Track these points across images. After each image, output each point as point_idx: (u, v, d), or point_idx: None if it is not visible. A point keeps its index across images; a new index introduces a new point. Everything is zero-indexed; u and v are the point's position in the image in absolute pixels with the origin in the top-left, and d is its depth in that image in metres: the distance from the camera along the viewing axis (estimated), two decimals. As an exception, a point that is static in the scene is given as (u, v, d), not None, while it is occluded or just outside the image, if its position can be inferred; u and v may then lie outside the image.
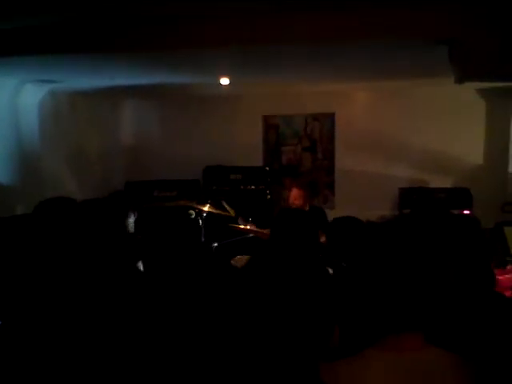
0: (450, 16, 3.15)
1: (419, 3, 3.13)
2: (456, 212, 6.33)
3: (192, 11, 3.30)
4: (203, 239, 5.31)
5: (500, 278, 3.05)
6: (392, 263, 1.54)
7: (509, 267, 3.37)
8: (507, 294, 2.81)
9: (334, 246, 3.11)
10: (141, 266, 2.65)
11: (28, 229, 2.44)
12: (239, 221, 5.30)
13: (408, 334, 1.52)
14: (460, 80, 3.87)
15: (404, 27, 3.23)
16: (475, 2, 3.07)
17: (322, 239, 3.41)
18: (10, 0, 2.98)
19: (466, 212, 6.39)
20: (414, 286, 1.51)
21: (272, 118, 7.64)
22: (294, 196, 5.16)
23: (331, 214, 5.41)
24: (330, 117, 7.42)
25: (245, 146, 7.38)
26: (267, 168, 7.32)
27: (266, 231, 5.12)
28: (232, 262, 5.03)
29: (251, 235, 5.19)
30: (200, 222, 5.31)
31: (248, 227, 5.16)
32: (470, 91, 6.53)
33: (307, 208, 5.21)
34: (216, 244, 5.19)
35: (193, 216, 5.45)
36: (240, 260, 5.04)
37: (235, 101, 7.33)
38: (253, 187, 7.11)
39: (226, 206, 5.36)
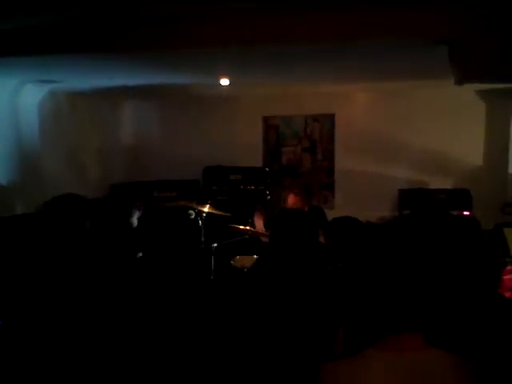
0: (449, 16, 3.15)
1: (419, 3, 3.13)
2: (456, 213, 6.33)
3: (192, 11, 3.30)
4: (203, 239, 5.31)
5: (500, 278, 3.04)
6: (391, 264, 1.55)
7: (508, 268, 3.36)
8: (507, 294, 2.80)
9: (333, 245, 3.11)
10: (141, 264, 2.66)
11: (36, 226, 2.44)
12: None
13: (408, 334, 1.52)
14: (460, 81, 3.87)
15: (404, 27, 3.23)
16: (475, 2, 3.07)
17: (321, 238, 3.41)
18: (10, 0, 2.98)
19: (465, 213, 6.39)
20: (414, 287, 1.51)
21: (272, 119, 7.64)
22: (291, 203, 5.16)
23: (331, 215, 5.40)
24: (330, 118, 7.42)
25: (245, 146, 7.39)
26: (267, 168, 7.32)
27: (265, 232, 5.13)
28: (232, 262, 5.04)
29: (249, 236, 5.19)
30: (200, 222, 5.31)
31: (248, 228, 5.16)
32: (469, 92, 6.54)
33: (306, 209, 5.21)
34: (216, 244, 5.19)
35: (192, 216, 5.45)
36: (240, 260, 5.04)
37: (235, 101, 7.33)
38: (252, 188, 7.11)
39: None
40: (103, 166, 7.08)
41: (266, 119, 7.64)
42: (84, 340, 1.96)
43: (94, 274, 2.56)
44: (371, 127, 7.03)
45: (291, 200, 5.16)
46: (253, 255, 5.05)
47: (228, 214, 5.33)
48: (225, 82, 5.73)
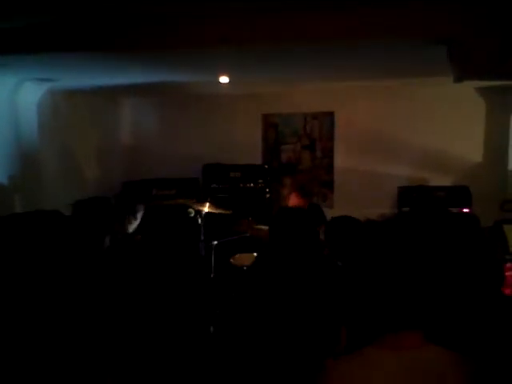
0: (449, 16, 3.15)
1: (419, 3, 3.13)
2: (455, 210, 6.34)
3: (192, 10, 3.30)
4: (202, 238, 5.31)
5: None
6: (391, 261, 1.55)
7: (508, 265, 3.37)
8: (507, 291, 2.81)
9: (332, 245, 3.11)
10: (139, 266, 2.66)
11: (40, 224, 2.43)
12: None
13: (407, 332, 1.52)
14: (459, 79, 3.87)
15: (404, 27, 3.23)
16: (475, 2, 3.07)
17: (321, 236, 3.42)
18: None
19: (465, 210, 6.39)
20: (413, 285, 1.51)
21: (271, 117, 7.64)
22: (293, 203, 5.16)
23: (330, 213, 5.42)
24: (330, 115, 7.42)
25: (244, 144, 7.39)
26: (266, 166, 7.32)
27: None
28: (231, 260, 5.04)
29: (249, 234, 5.20)
30: (199, 220, 5.31)
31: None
32: (469, 90, 6.53)
33: (306, 206, 5.22)
34: (215, 242, 5.19)
35: (192, 214, 5.45)
36: (240, 258, 5.05)
37: (234, 99, 7.33)
38: (252, 185, 7.11)
39: None
40: (102, 164, 7.08)
41: (265, 117, 7.63)
42: (83, 338, 1.96)
43: (94, 274, 2.57)
44: (370, 125, 7.03)
45: (293, 201, 5.17)
46: (253, 253, 5.06)
47: (228, 212, 5.34)
48: (224, 79, 5.73)
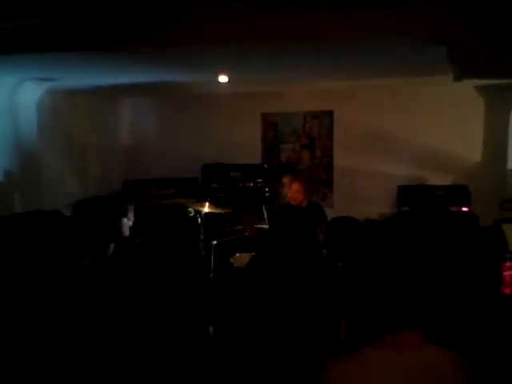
0: (449, 16, 3.15)
1: (419, 3, 3.13)
2: (455, 209, 6.34)
3: (192, 9, 3.30)
4: (202, 237, 5.31)
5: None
6: (390, 261, 1.55)
7: (508, 264, 3.37)
8: (506, 291, 2.81)
9: (333, 246, 3.11)
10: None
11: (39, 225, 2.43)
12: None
13: (407, 331, 1.52)
14: (458, 78, 3.87)
15: (404, 27, 3.23)
16: (475, 2, 3.07)
17: (320, 235, 3.42)
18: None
19: (464, 209, 6.39)
20: (413, 284, 1.51)
21: (271, 116, 7.63)
22: (295, 189, 5.17)
23: (330, 212, 5.43)
24: (329, 114, 7.42)
25: (244, 143, 7.38)
26: (266, 165, 7.32)
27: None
28: (231, 259, 5.04)
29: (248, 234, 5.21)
30: (199, 220, 5.31)
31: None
32: (468, 88, 6.53)
33: (305, 204, 5.22)
34: (215, 242, 5.19)
35: (191, 214, 5.45)
36: (239, 258, 5.05)
37: (234, 99, 7.32)
38: (251, 185, 7.10)
39: None
40: (102, 163, 7.07)
41: (264, 116, 7.63)
42: (83, 338, 1.96)
43: (93, 275, 2.57)
44: (370, 124, 7.03)
45: (295, 186, 5.17)
46: (252, 253, 5.06)
47: (227, 211, 5.33)
48: (223, 79, 5.73)
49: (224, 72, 5.46)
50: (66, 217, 2.31)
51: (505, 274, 3.15)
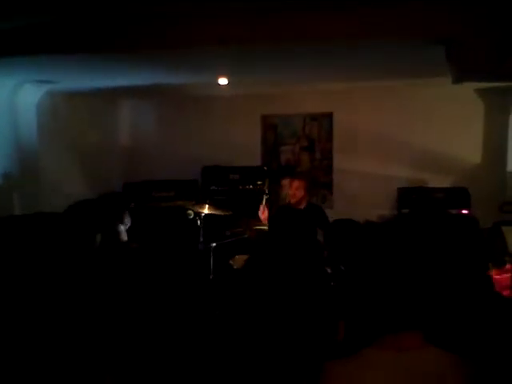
0: (449, 16, 3.15)
1: (419, 3, 3.13)
2: (454, 212, 6.34)
3: (192, 10, 3.30)
4: (202, 239, 5.31)
5: (498, 277, 3.05)
6: (391, 263, 1.54)
7: (507, 266, 3.37)
8: (505, 293, 2.81)
9: (334, 249, 3.11)
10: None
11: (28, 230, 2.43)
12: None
13: (407, 333, 1.52)
14: (457, 80, 3.87)
15: (404, 27, 3.23)
16: (475, 2, 3.08)
17: (320, 237, 3.43)
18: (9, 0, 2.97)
19: (464, 212, 6.39)
20: (413, 286, 1.51)
21: (270, 118, 7.64)
22: (295, 187, 5.17)
23: (329, 214, 5.42)
24: (328, 117, 7.42)
25: (243, 145, 7.38)
26: (265, 168, 7.31)
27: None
28: (230, 261, 5.04)
29: (248, 235, 5.20)
30: (198, 222, 5.30)
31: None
32: (468, 91, 6.53)
33: (305, 205, 5.21)
34: (214, 244, 5.19)
35: (191, 216, 5.45)
36: (238, 260, 5.04)
37: (233, 101, 7.32)
38: (251, 187, 7.10)
39: None
40: (101, 165, 7.07)
41: (264, 118, 7.63)
42: (83, 338, 1.96)
43: (92, 274, 2.56)
44: (369, 126, 7.03)
45: (295, 184, 5.17)
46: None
47: (227, 213, 5.33)
48: (223, 81, 5.73)
49: (224, 74, 5.46)
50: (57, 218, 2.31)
51: (504, 276, 3.15)
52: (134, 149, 7.71)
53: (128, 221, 3.70)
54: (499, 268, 3.22)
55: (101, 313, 2.14)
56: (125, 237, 3.63)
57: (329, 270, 3.15)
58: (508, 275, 3.12)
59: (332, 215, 5.19)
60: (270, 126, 7.66)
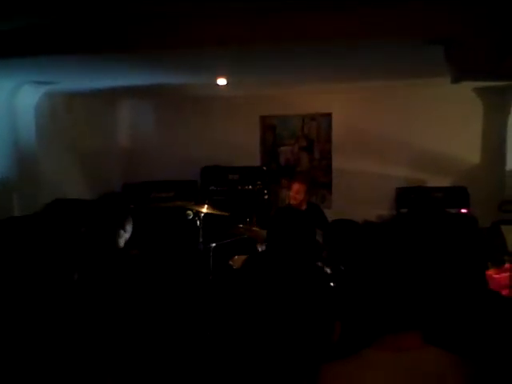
0: (449, 16, 3.15)
1: (419, 3, 3.13)
2: (453, 211, 6.34)
3: (192, 10, 3.29)
4: (201, 240, 5.31)
5: (497, 276, 3.06)
6: (389, 263, 1.55)
7: (506, 266, 3.37)
8: (504, 292, 2.81)
9: (333, 248, 3.11)
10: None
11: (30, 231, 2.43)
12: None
13: (406, 333, 1.52)
14: (456, 80, 3.88)
15: (404, 27, 3.23)
16: (475, 2, 3.08)
17: (319, 237, 3.42)
18: (7, 0, 2.97)
19: (463, 211, 6.39)
20: (412, 286, 1.51)
21: (269, 119, 7.64)
22: (296, 190, 5.18)
23: (328, 214, 5.43)
24: (327, 117, 7.43)
25: (242, 146, 7.38)
26: (265, 168, 7.32)
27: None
28: (230, 262, 5.04)
29: (247, 236, 5.20)
30: (198, 222, 5.30)
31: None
32: (466, 90, 6.53)
33: (305, 205, 5.22)
34: (214, 244, 5.18)
35: (190, 217, 5.44)
36: (238, 260, 5.04)
37: (232, 101, 7.33)
38: (250, 187, 7.10)
39: None
40: (101, 166, 7.07)
41: (263, 119, 7.64)
42: (84, 339, 1.96)
43: (91, 275, 2.56)
44: (368, 126, 7.03)
45: (296, 187, 5.19)
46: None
47: (226, 214, 5.33)
48: (222, 81, 5.73)
49: (223, 75, 5.46)
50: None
51: (503, 275, 3.15)
52: (133, 150, 7.71)
53: (130, 228, 3.65)
54: (498, 267, 3.23)
55: (101, 314, 2.14)
56: (122, 243, 3.60)
57: (328, 271, 3.15)
58: (507, 274, 3.12)
59: (331, 215, 5.19)
60: (268, 126, 7.67)
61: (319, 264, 3.48)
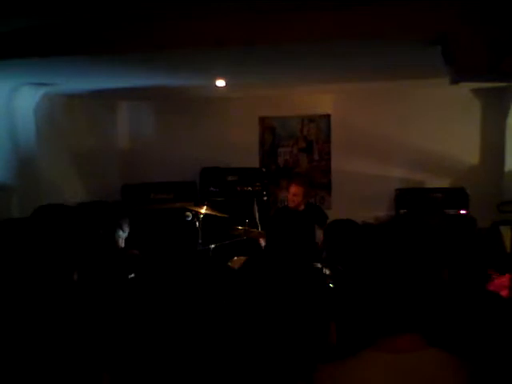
0: (448, 16, 3.16)
1: (419, 3, 3.14)
2: (452, 212, 6.35)
3: (190, 10, 3.29)
4: (200, 241, 5.31)
5: (495, 277, 3.06)
6: (388, 264, 1.55)
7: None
8: (503, 293, 2.82)
9: (331, 248, 3.12)
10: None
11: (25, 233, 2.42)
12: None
13: (406, 334, 1.51)
14: (455, 81, 3.88)
15: (403, 27, 3.23)
16: (473, 2, 3.08)
17: (319, 236, 3.43)
18: (5, 2, 2.97)
19: (462, 212, 6.40)
20: (411, 287, 1.51)
21: (268, 120, 7.64)
22: (294, 192, 5.19)
23: (328, 215, 5.43)
24: (326, 118, 7.43)
25: (241, 147, 7.39)
26: (264, 169, 7.32)
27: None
28: (229, 263, 5.04)
29: (246, 237, 5.20)
30: (197, 223, 5.31)
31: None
32: (465, 91, 6.55)
33: (303, 206, 5.23)
34: (213, 246, 5.19)
35: (190, 218, 5.45)
36: (237, 261, 5.04)
37: (231, 102, 7.33)
38: (249, 188, 7.10)
39: None
40: (100, 168, 7.07)
41: (262, 120, 7.64)
42: (81, 338, 1.96)
43: (90, 275, 2.56)
44: (367, 127, 7.04)
45: (293, 189, 5.19)
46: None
47: (225, 215, 5.34)
48: (221, 83, 5.73)
49: (221, 76, 5.46)
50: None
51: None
52: (132, 151, 7.71)
53: (127, 228, 3.68)
54: (501, 275, 3.22)
55: (101, 314, 2.14)
56: (121, 243, 3.62)
57: (327, 271, 3.16)
58: (505, 275, 3.12)
59: (330, 216, 5.19)
60: (267, 127, 7.67)
61: (319, 265, 3.49)
